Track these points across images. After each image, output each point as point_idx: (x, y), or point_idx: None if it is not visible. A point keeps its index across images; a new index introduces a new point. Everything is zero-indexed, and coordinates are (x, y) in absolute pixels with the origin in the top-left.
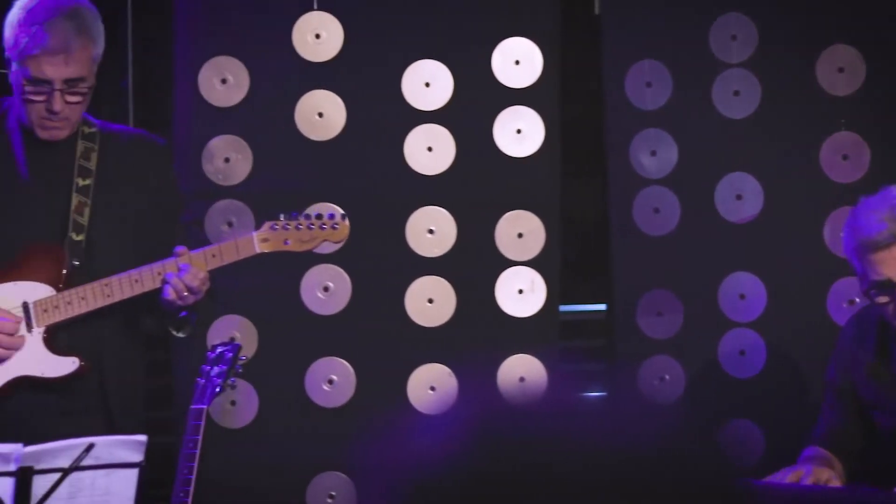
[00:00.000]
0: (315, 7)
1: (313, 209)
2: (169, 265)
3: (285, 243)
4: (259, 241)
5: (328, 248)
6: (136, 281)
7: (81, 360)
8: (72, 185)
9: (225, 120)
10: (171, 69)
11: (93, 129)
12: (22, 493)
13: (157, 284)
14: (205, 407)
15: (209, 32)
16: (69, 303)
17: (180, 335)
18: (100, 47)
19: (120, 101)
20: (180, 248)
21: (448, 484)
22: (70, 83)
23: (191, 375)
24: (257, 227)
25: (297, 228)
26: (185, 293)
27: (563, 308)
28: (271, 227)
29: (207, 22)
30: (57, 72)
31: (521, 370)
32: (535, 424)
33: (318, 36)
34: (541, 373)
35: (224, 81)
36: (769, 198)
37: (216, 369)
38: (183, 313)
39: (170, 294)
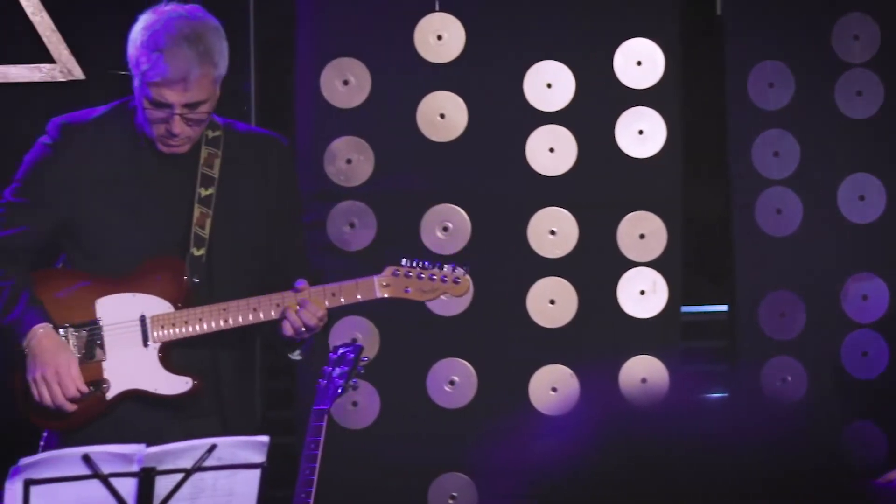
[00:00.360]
0: (437, 8)
1: (435, 260)
2: (288, 299)
3: (406, 291)
4: (380, 286)
5: (447, 299)
6: (255, 309)
7: (195, 380)
8: (194, 194)
9: (347, 121)
10: (293, 71)
11: (217, 133)
12: (144, 493)
13: (275, 316)
14: (327, 408)
15: (331, 34)
16: (186, 322)
17: (296, 358)
18: (222, 68)
19: (242, 103)
20: (301, 283)
21: (570, 485)
22: (190, 107)
23: (313, 376)
24: (379, 269)
25: (418, 278)
26: (303, 330)
27: (684, 309)
28: (393, 273)
29: (329, 24)
30: (177, 97)
31: (642, 371)
32: (657, 426)
33: (439, 37)
34: (662, 374)
35: (346, 83)
36: (892, 199)
37: (338, 370)
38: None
39: (287, 331)
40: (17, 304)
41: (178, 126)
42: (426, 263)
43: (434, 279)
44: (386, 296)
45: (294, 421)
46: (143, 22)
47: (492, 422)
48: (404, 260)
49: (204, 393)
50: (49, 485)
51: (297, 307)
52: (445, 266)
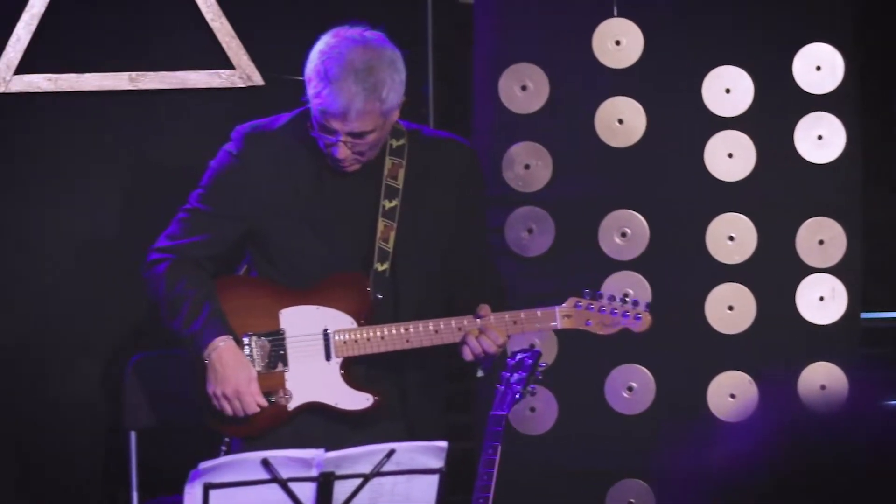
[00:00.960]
0: (615, 14)
1: (617, 292)
2: (469, 324)
3: (587, 324)
4: (561, 317)
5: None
6: (436, 332)
7: (376, 397)
8: (378, 206)
9: (525, 127)
10: (471, 76)
11: (401, 142)
12: (323, 498)
13: (456, 339)
14: (505, 413)
15: (509, 39)
16: (368, 339)
17: (479, 375)
18: (391, 102)
19: (420, 107)
20: (483, 309)
21: (748, 492)
22: (355, 136)
23: (491, 381)
24: (560, 300)
25: (600, 311)
26: (482, 356)
27: (864, 315)
28: (575, 305)
29: (507, 29)
30: (340, 127)
31: (822, 378)
32: (836, 432)
33: (618, 42)
34: (842, 381)
35: (524, 88)
36: None
37: (516, 376)
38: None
39: (467, 356)
40: (198, 316)
41: (342, 152)
42: (608, 296)
43: (616, 314)
44: (566, 327)
45: (472, 426)
46: (321, 45)
47: (670, 428)
48: (586, 291)
49: (386, 412)
50: (228, 489)
51: (478, 333)
52: (627, 300)
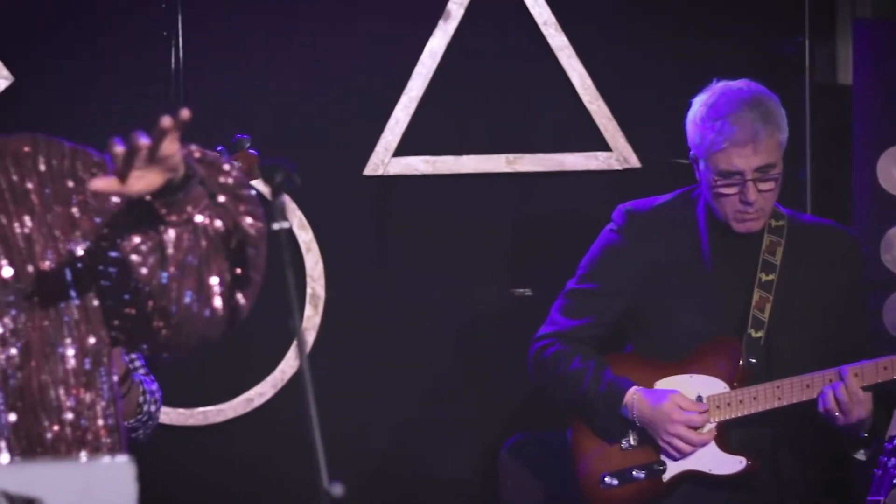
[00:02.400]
0: None
1: None
2: (831, 375)
3: None
4: None
5: None
6: (808, 386)
7: (749, 460)
8: (754, 279)
9: None
10: (850, 157)
11: (780, 223)
12: None
13: None
14: (881, 499)
15: (889, 120)
16: (741, 402)
17: (860, 458)
18: (785, 132)
19: (798, 193)
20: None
21: None
22: (761, 170)
23: (867, 465)
24: None
25: None
26: (835, 412)
27: None
28: None
29: (886, 110)
30: (746, 161)
31: None
32: None
33: None
34: None
35: None
36: None
37: (894, 461)
38: (862, 434)
39: (820, 405)
40: (603, 379)
41: (752, 193)
42: None
43: None
44: None
45: None
46: (699, 100)
47: None
48: None
49: (760, 473)
50: None
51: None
52: None
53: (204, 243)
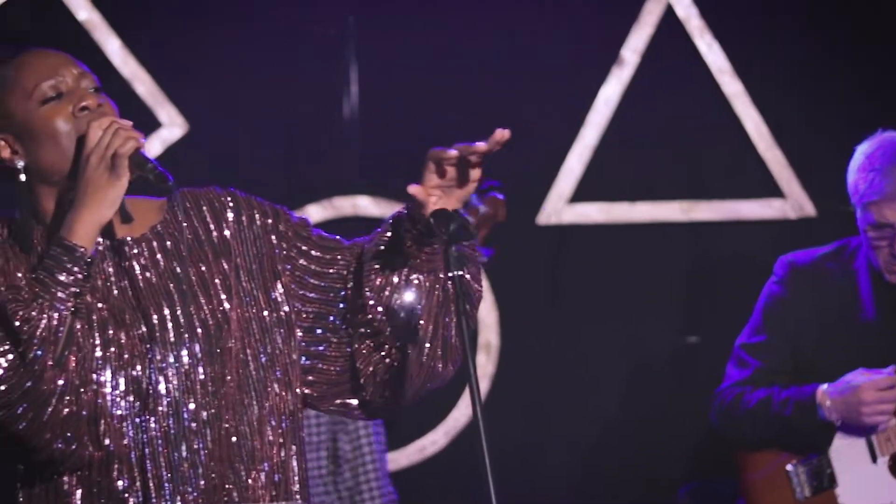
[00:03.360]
0: None
1: None
2: None
3: None
4: None
5: None
6: None
7: None
8: None
9: None
10: None
11: None
12: None
13: None
14: None
15: None
16: None
17: None
18: None
19: None
20: None
21: None
22: None
23: None
24: None
25: None
26: None
27: None
28: None
29: None
30: None
31: None
32: None
33: None
34: None
35: None
36: None
37: None
38: None
39: None
40: (789, 397)
41: None
42: None
43: None
44: None
45: None
46: (861, 149)
47: None
48: None
49: None
50: None
51: None
52: None
53: (441, 297)
